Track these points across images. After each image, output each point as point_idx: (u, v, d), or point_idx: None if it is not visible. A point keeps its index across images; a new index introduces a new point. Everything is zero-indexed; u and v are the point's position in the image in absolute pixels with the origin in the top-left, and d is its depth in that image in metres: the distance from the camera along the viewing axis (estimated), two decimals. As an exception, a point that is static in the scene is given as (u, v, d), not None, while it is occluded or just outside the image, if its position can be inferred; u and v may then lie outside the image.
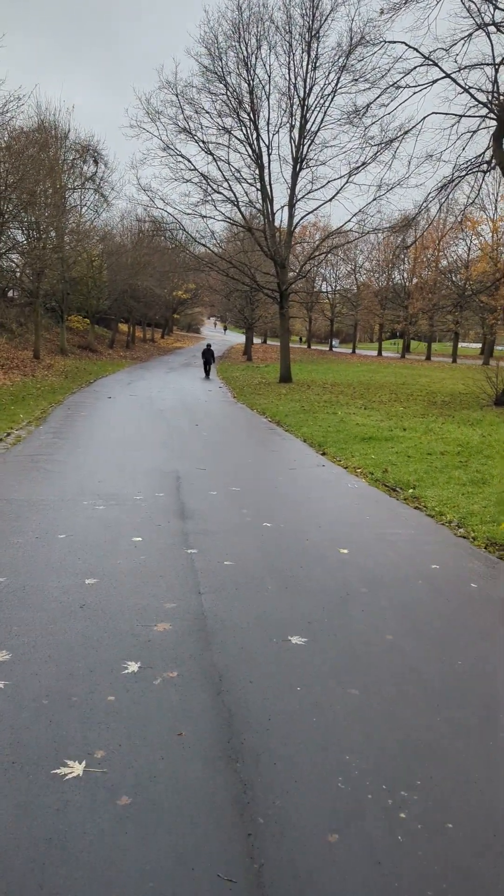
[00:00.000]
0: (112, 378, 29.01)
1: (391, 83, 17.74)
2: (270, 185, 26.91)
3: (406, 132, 18.55)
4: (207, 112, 26.52)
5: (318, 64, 25.97)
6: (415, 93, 19.42)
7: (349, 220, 26.63)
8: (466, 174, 20.24)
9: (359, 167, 26.05)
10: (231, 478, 9.50)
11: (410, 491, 9.07)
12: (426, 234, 48.97)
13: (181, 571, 5.43)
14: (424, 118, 19.41)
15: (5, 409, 16.45)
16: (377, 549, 6.40)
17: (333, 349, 68.03)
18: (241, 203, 27.10)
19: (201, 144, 26.01)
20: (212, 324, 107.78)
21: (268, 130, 26.41)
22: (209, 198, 26.20)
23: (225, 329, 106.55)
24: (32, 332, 34.29)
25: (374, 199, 26.30)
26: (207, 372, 31.83)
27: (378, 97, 17.66)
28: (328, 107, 26.41)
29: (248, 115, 26.15)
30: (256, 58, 25.93)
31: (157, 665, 3.82)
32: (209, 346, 32.19)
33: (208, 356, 31.64)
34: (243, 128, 26.33)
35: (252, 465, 10.69)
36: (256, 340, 55.94)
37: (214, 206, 26.15)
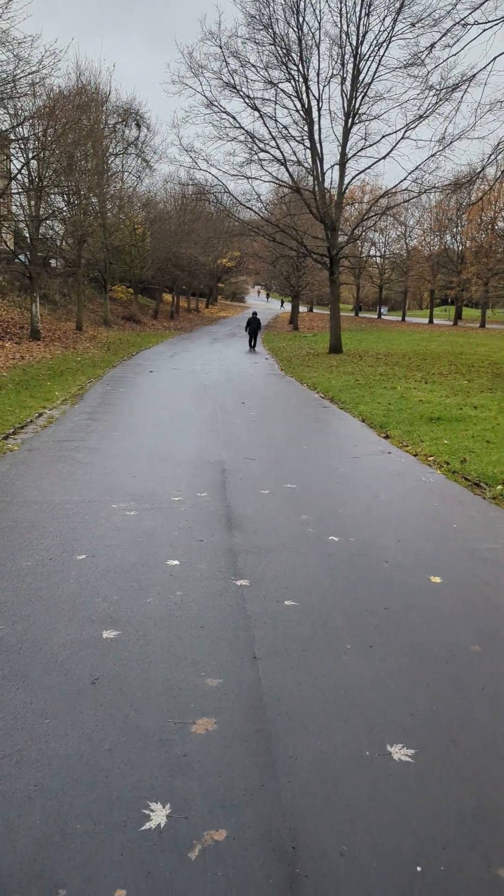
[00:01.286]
0: (155, 350, 27.74)
1: (457, 20, 15.62)
2: (320, 142, 24.91)
3: (472, 76, 16.42)
4: (253, 66, 24.57)
5: (372, 8, 23.67)
6: (484, 30, 17.20)
7: (405, 179, 24.52)
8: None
9: (416, 120, 23.83)
10: (284, 470, 8.09)
11: (499, 488, 7.52)
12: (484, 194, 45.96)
13: (229, 617, 4.08)
14: (495, 58, 17.20)
15: (41, 385, 15.31)
16: (479, 577, 4.93)
17: (382, 317, 65.47)
18: (288, 163, 25.21)
19: (247, 100, 24.13)
20: (255, 292, 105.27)
21: (318, 82, 24.44)
22: (255, 157, 24.38)
23: (268, 297, 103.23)
24: (75, 303, 33.22)
25: (433, 155, 24.09)
26: (253, 344, 29.65)
27: (442, 37, 15.60)
28: (383, 56, 24.14)
29: (297, 66, 24.10)
30: (306, 4, 23.73)
31: (193, 813, 2.47)
32: (255, 314, 30.08)
33: (255, 326, 29.25)
34: (291, 80, 24.30)
35: (307, 453, 9.25)
36: (302, 309, 53.89)
37: (262, 166, 24.38)
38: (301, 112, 24.81)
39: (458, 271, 50.75)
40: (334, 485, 7.54)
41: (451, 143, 22.86)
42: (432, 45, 15.67)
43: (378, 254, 48.13)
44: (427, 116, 22.27)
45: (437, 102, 22.30)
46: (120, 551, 5.17)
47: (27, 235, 25.59)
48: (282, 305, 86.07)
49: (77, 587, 4.46)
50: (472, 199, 48.84)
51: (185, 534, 5.62)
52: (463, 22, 15.70)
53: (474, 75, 17.14)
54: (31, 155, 21.98)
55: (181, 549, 5.24)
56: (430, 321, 57.48)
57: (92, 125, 30.71)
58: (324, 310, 77.24)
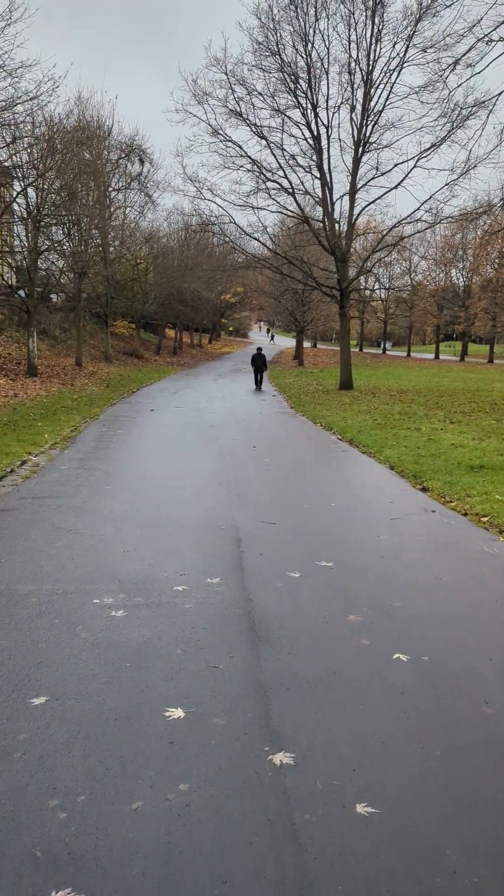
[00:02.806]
0: (157, 386, 26.27)
1: (480, 36, 14.45)
2: (330, 171, 23.79)
3: (497, 95, 15.16)
4: (260, 94, 23.58)
5: (382, 34, 22.74)
6: (506, 50, 16.05)
7: (418, 209, 23.32)
8: None
9: (431, 148, 22.71)
10: (313, 538, 6.43)
11: None
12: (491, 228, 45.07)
13: (268, 848, 2.40)
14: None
15: (31, 426, 13.75)
16: None
17: (387, 352, 64.32)
18: (296, 192, 24.03)
19: (254, 128, 23.04)
20: (258, 328, 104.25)
21: (327, 109, 23.28)
22: (263, 186, 23.20)
23: (269, 332, 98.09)
24: (76, 339, 31.92)
25: (448, 184, 22.90)
26: (259, 382, 26.19)
27: (466, 52, 14.44)
28: (395, 82, 23.13)
29: (305, 93, 23.09)
30: (315, 31, 22.85)
31: None
32: (260, 350, 26.93)
33: (259, 363, 25.94)
34: (300, 108, 23.27)
35: (337, 513, 7.61)
36: (306, 344, 52.68)
37: (269, 195, 23.12)
38: (310, 140, 23.75)
39: (464, 306, 49.63)
40: (380, 561, 5.87)
41: (468, 170, 21.66)
42: (455, 62, 14.46)
43: (383, 288, 46.96)
44: (444, 142, 21.14)
45: (452, 129, 21.19)
46: (97, 688, 3.50)
47: (25, 267, 24.33)
48: (271, 340, 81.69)
49: (28, 771, 2.78)
50: (478, 235, 48.02)
51: (191, 653, 3.95)
52: (487, 38, 14.50)
53: (500, 94, 15.89)
54: (28, 182, 20.76)
55: (186, 685, 3.57)
56: (436, 356, 56.24)
57: (94, 160, 29.81)
58: (327, 345, 76.27)
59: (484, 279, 47.96)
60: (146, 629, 4.26)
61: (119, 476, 9.21)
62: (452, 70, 14.44)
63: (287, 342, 74.12)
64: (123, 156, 39.11)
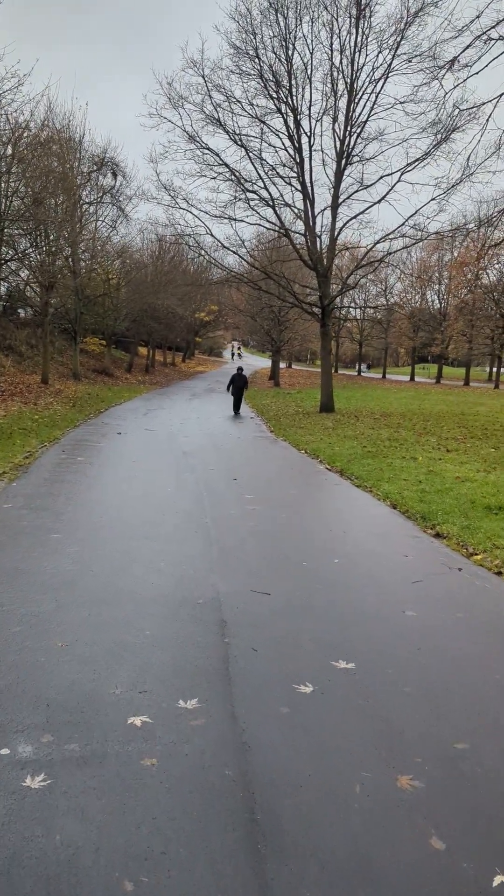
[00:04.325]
0: (127, 406, 24.50)
1: (478, 34, 13.20)
2: (311, 182, 22.45)
3: (497, 98, 13.93)
4: (238, 101, 22.22)
5: (368, 41, 21.60)
6: None
7: (403, 223, 22.10)
8: None
9: (418, 159, 21.54)
10: (323, 620, 4.76)
11: None
12: (467, 250, 44.45)
13: None
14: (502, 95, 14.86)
15: (-20, 451, 11.91)
16: None
17: (362, 374, 63.28)
18: (277, 204, 22.62)
19: (232, 135, 21.63)
20: (235, 350, 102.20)
21: (309, 118, 21.99)
22: (242, 196, 21.75)
23: (239, 354, 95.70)
24: (42, 355, 30.02)
25: (434, 199, 21.72)
26: (237, 407, 22.94)
27: (464, 51, 13.19)
28: (379, 92, 21.97)
29: (286, 100, 21.78)
30: (296, 36, 21.62)
31: None
32: (240, 370, 23.60)
33: (239, 384, 22.61)
34: (281, 115, 21.94)
35: (344, 574, 5.97)
36: (281, 365, 51.16)
37: (248, 204, 21.65)
38: (290, 150, 22.42)
39: (441, 328, 48.78)
40: (416, 657, 4.22)
41: (462, 180, 20.45)
42: (453, 60, 13.18)
43: (367, 306, 45.66)
44: (438, 147, 19.95)
45: (446, 135, 20.02)
46: None
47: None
48: (232, 358, 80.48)
49: None
50: (454, 256, 47.37)
51: (149, 890, 2.25)
52: (486, 36, 13.26)
53: (501, 96, 14.64)
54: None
55: None
56: (412, 378, 55.30)
57: (63, 168, 28.16)
58: (302, 366, 75.14)
59: (461, 301, 47.19)
60: (75, 825, 2.53)
61: (72, 519, 7.45)
62: (449, 69, 13.16)
63: (260, 362, 72.73)
64: (95, 168, 37.59)
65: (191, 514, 7.92)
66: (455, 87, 17.65)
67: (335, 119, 22.69)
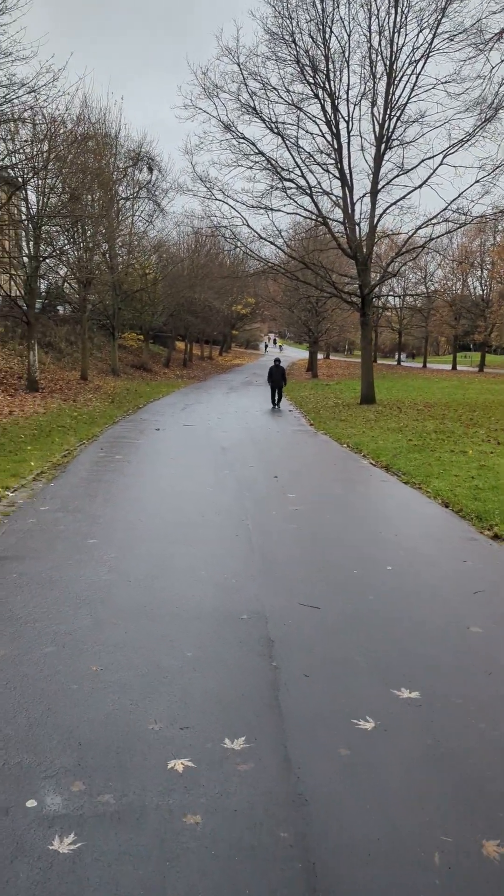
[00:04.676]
0: (165, 402, 24.27)
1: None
2: (350, 168, 21.77)
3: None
4: (274, 88, 21.65)
5: (407, 20, 20.79)
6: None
7: (446, 208, 21.26)
8: None
9: (462, 140, 20.69)
10: (380, 639, 4.31)
11: None
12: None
13: None
14: None
15: (19, 450, 11.76)
16: None
17: (402, 363, 62.12)
18: (314, 192, 22.02)
19: (269, 123, 21.09)
20: (271, 340, 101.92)
21: (347, 102, 21.30)
22: (279, 185, 21.21)
23: (275, 342, 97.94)
24: (81, 351, 30.01)
25: (478, 182, 20.86)
26: (277, 400, 22.49)
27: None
28: (419, 72, 21.16)
29: (323, 85, 21.12)
30: (333, 19, 20.93)
31: None
32: (278, 362, 22.82)
33: (277, 377, 22.08)
34: (318, 100, 21.29)
35: (398, 583, 5.51)
36: (319, 356, 50.31)
37: (286, 194, 21.11)
38: (328, 136, 21.77)
39: (483, 315, 47.39)
40: (486, 680, 3.74)
41: (503, 165, 19.58)
42: (502, 32, 12.44)
43: (407, 294, 44.43)
44: (486, 125, 19.08)
45: (486, 119, 19.16)
46: None
47: (26, 276, 22.44)
48: (274, 346, 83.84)
49: None
50: (496, 240, 45.95)
51: None
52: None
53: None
54: (26, 178, 18.87)
55: None
56: (454, 367, 53.98)
57: (99, 164, 27.97)
58: (339, 356, 74.19)
59: (504, 287, 45.77)
60: (109, 903, 2.17)
61: (109, 523, 7.14)
62: (497, 40, 12.42)
63: (297, 353, 72.01)
64: (131, 164, 37.41)
65: (231, 516, 7.54)
66: (503, 61, 16.68)
67: (374, 103, 21.94)
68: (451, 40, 20.59)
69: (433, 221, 21.19)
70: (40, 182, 20.08)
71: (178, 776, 2.82)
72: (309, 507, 8.17)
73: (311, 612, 4.71)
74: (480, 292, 50.10)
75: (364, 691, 3.61)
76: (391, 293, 41.52)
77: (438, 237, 23.80)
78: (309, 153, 22.10)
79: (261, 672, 3.79)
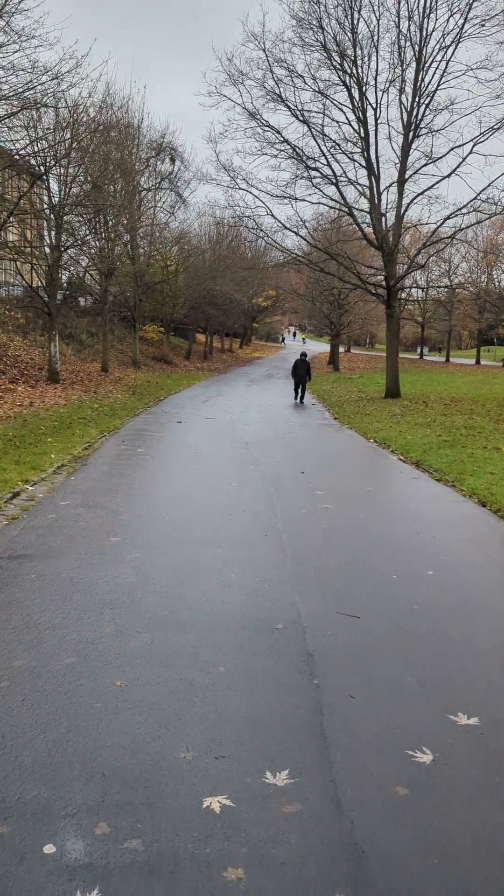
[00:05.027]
0: (186, 394, 23.97)
1: None
2: (377, 157, 21.23)
3: None
4: (301, 76, 21.14)
5: (437, 5, 20.16)
6: None
7: (476, 197, 20.65)
8: None
9: (486, 132, 20.07)
10: (428, 656, 3.93)
11: None
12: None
13: None
14: None
15: (39, 441, 11.49)
16: None
17: (424, 357, 61.27)
18: (340, 182, 21.50)
19: (295, 110, 20.60)
20: (290, 333, 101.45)
21: (375, 89, 20.75)
22: (304, 174, 20.73)
23: (295, 336, 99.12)
24: (102, 343, 29.81)
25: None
26: (300, 394, 21.68)
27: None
28: (449, 59, 20.54)
29: (350, 70, 20.58)
30: (361, 4, 20.36)
31: None
32: (304, 356, 21.61)
33: (302, 371, 21.15)
34: (345, 87, 20.75)
35: (442, 590, 5.13)
36: (339, 349, 49.56)
37: (311, 182, 20.62)
38: (355, 124, 21.22)
39: (510, 309, 46.40)
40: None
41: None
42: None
43: (434, 286, 43.50)
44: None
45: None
46: None
47: (48, 266, 22.20)
48: (293, 339, 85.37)
49: None
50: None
51: None
52: None
53: None
54: (48, 166, 18.59)
55: None
56: (477, 362, 53.07)
57: (121, 153, 27.64)
58: (360, 350, 73.42)
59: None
60: None
61: (131, 519, 6.82)
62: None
63: (318, 346, 71.38)
64: (154, 154, 37.06)
65: (258, 514, 7.18)
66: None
67: (402, 90, 21.35)
68: (483, 25, 19.97)
69: (462, 212, 20.59)
70: (62, 171, 19.76)
71: (215, 818, 2.48)
72: (339, 504, 7.78)
73: (351, 623, 4.34)
74: (505, 285, 49.11)
75: (417, 716, 3.24)
76: (414, 286, 40.69)
77: (468, 227, 23.16)
78: (335, 141, 21.58)
79: (301, 691, 3.44)
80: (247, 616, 4.39)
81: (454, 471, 10.00)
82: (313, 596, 4.81)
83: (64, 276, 32.53)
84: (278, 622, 4.30)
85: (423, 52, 20.54)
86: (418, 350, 63.04)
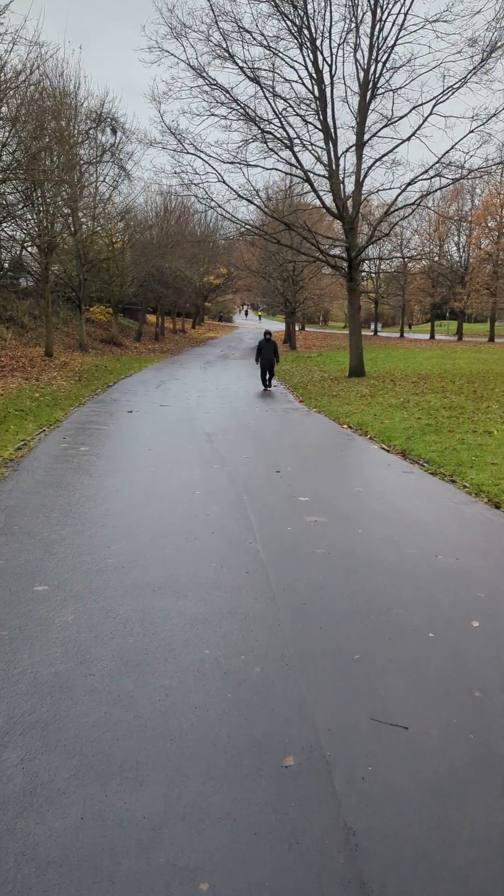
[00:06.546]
0: (137, 378, 22.05)
1: None
2: (334, 118, 19.49)
3: None
4: (248, 31, 19.15)
5: None
6: None
7: (439, 161, 19.17)
8: None
9: (447, 90, 18.55)
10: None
11: None
12: (490, 196, 41.11)
13: None
14: None
15: (-36, 442, 9.59)
16: None
17: (378, 333, 60.17)
18: (294, 145, 19.67)
19: (244, 66, 18.63)
20: (243, 313, 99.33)
21: (329, 41, 18.91)
22: (259, 135, 18.82)
23: (247, 314, 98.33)
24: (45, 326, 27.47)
25: (472, 132, 18.79)
26: (268, 380, 18.65)
27: None
28: (407, 11, 18.87)
29: (303, 22, 18.70)
30: None
31: None
32: (268, 336, 18.44)
33: (269, 353, 18.11)
34: (297, 40, 18.86)
35: (485, 636, 3.65)
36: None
37: (265, 144, 18.73)
38: (307, 82, 19.41)
39: (462, 282, 45.46)
40: None
41: (498, 113, 17.52)
42: None
43: (400, 257, 41.77)
44: (477, 72, 16.95)
45: (482, 60, 17.05)
46: None
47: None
48: (246, 318, 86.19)
49: None
50: (474, 204, 44.00)
51: None
52: None
53: None
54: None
55: None
56: (432, 337, 52.17)
57: (59, 126, 25.16)
58: (315, 328, 72.00)
59: (484, 252, 43.80)
60: None
61: (66, 553, 5.10)
62: None
63: (271, 325, 69.66)
64: (94, 126, 34.41)
65: (232, 536, 5.55)
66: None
67: (357, 46, 19.60)
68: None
69: (424, 177, 19.06)
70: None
71: None
72: (329, 515, 6.22)
73: (398, 741, 2.78)
74: (458, 259, 48.13)
75: None
76: (378, 257, 39.21)
77: (434, 191, 21.67)
78: (288, 102, 19.73)
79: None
80: (234, 740, 2.78)
81: (449, 462, 8.56)
82: (329, 686, 3.23)
83: (4, 256, 30.01)
84: (287, 750, 2.70)
85: (379, 3, 18.80)
86: (372, 326, 61.91)
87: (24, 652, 3.52)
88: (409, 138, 19.96)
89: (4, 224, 21.42)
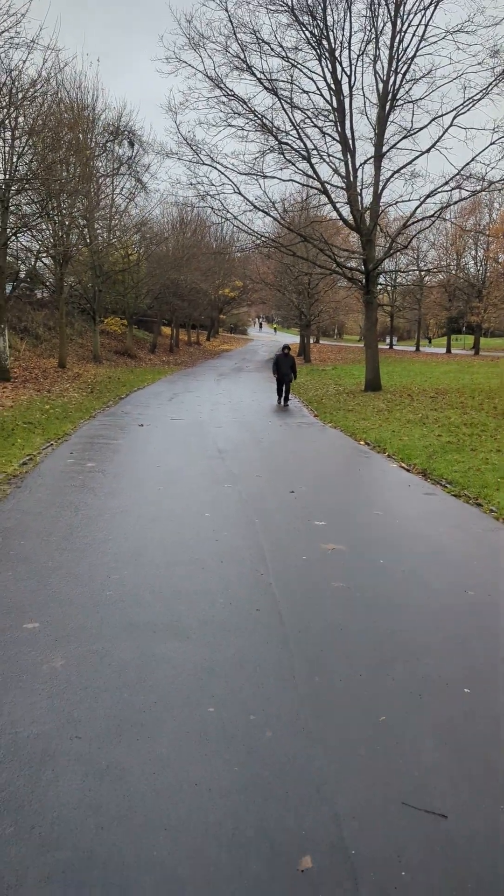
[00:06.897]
0: (150, 390, 21.72)
1: None
2: (352, 129, 19.21)
3: None
4: (267, 42, 18.94)
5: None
6: None
7: (459, 172, 18.76)
8: None
9: (467, 101, 18.18)
10: None
11: None
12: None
13: None
14: None
15: (-32, 456, 9.24)
16: None
17: (393, 347, 59.64)
18: (311, 156, 19.38)
19: (262, 77, 18.39)
20: (257, 325, 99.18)
21: (349, 51, 18.65)
22: (275, 146, 18.55)
23: (261, 327, 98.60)
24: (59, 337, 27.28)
25: (493, 143, 18.40)
26: (284, 395, 17.73)
27: None
28: (428, 22, 18.56)
29: (323, 34, 18.44)
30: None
31: None
32: (287, 350, 17.78)
33: (286, 368, 17.21)
34: (315, 51, 18.62)
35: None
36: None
37: (282, 155, 18.45)
38: (328, 94, 19.12)
39: (480, 296, 44.90)
40: None
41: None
42: None
43: (418, 269, 41.30)
44: (498, 83, 16.56)
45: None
46: None
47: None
48: (261, 329, 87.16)
49: None
50: (492, 218, 43.54)
51: None
52: None
53: None
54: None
55: None
56: (448, 351, 51.58)
57: (76, 136, 25.09)
58: (329, 341, 71.64)
59: (502, 266, 43.24)
60: None
61: (62, 586, 4.68)
62: None
63: (286, 338, 69.37)
64: (111, 138, 34.42)
65: (242, 566, 5.12)
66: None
67: (377, 58, 19.32)
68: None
69: (443, 189, 18.66)
70: (6, 149, 17.32)
71: None
72: (348, 543, 5.77)
73: (439, 837, 2.32)
74: (475, 272, 47.60)
75: None
76: (396, 269, 38.68)
77: (454, 203, 21.25)
78: (306, 114, 19.46)
79: None
80: (240, 832, 2.33)
81: (474, 483, 8.07)
82: (351, 757, 2.77)
83: (20, 266, 29.93)
84: (302, 848, 2.25)
85: (400, 11, 18.51)
86: (387, 340, 61.41)
87: (5, 707, 3.09)
88: (428, 150, 19.58)
89: (20, 234, 21.25)
